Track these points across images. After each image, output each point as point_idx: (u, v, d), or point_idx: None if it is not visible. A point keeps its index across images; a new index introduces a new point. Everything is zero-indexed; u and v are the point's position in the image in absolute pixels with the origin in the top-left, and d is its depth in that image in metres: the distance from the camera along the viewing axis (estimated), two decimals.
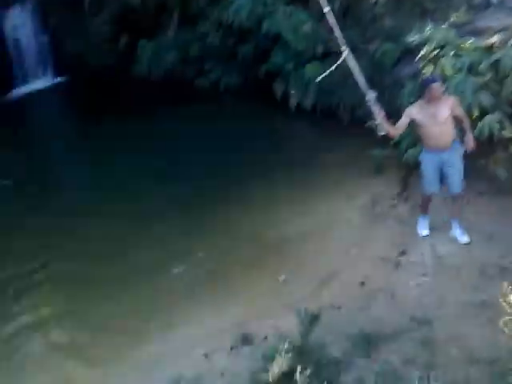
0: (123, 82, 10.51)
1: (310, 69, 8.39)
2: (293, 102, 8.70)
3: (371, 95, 5.09)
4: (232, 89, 9.86)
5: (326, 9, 5.34)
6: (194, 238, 6.25)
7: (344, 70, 8.21)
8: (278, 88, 8.93)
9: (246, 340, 4.56)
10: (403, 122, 5.20)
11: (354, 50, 8.19)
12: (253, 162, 7.69)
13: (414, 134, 6.36)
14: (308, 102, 8.52)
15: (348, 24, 8.65)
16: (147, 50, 10.79)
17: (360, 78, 5.22)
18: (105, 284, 5.72)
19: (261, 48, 9.40)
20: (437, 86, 5.00)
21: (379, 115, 5.09)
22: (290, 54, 8.82)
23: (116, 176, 7.80)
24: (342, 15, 8.77)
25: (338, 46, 8.34)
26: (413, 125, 5.31)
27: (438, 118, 5.00)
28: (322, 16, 8.91)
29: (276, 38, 9.05)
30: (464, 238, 5.28)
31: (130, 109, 9.87)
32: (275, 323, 4.48)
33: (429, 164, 5.24)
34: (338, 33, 5.29)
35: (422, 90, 5.19)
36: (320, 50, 8.57)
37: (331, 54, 8.42)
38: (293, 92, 8.71)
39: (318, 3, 8.93)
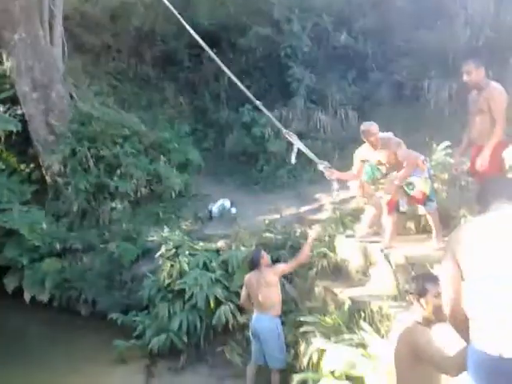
0: None
1: (47, 264, 8.43)
2: (27, 295, 8.38)
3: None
4: None
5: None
6: None
7: (84, 264, 8.61)
8: (10, 281, 8.57)
9: None
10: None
11: (92, 248, 8.79)
12: None
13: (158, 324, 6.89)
14: (44, 296, 8.32)
15: (85, 226, 9.28)
16: None
17: (309, 153, 5.99)
18: None
19: None
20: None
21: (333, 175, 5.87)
22: (25, 248, 8.70)
23: None
24: (80, 217, 9.38)
25: (77, 243, 8.74)
26: None
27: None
28: (58, 216, 9.44)
29: (9, 233, 8.91)
30: None
31: None
32: None
33: None
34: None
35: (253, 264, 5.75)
36: (58, 246, 8.73)
37: (70, 250, 8.79)
38: (27, 286, 8.43)
39: (57, 205, 9.50)
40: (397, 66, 10.23)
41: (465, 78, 5.00)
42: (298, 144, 6.43)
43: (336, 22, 11.20)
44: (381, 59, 10.68)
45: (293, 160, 6.47)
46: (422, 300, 2.92)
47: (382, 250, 5.96)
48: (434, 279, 2.92)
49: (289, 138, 6.52)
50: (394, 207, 5.63)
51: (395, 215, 5.70)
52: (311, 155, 6.45)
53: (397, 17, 10.74)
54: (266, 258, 5.79)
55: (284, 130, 6.64)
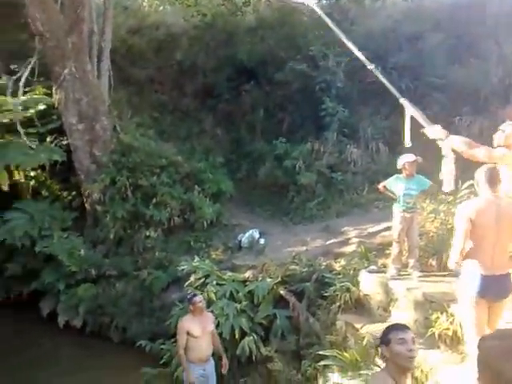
0: None
1: (82, 289, 8.78)
2: (61, 320, 8.73)
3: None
4: None
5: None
6: None
7: (117, 291, 8.87)
8: (46, 306, 8.97)
9: None
10: (183, 338, 5.69)
11: (126, 275, 9.08)
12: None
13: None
14: (77, 321, 8.66)
15: (121, 253, 9.62)
16: None
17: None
18: None
19: (29, 266, 9.50)
20: (199, 299, 5.80)
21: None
22: (62, 274, 9.07)
23: None
24: (116, 244, 9.74)
25: (111, 269, 9.02)
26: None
27: (206, 329, 5.78)
28: (96, 242, 9.82)
29: (47, 259, 9.34)
30: None
31: None
32: None
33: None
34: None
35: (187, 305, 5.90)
36: (93, 272, 9.09)
37: (105, 277, 9.12)
38: (61, 310, 8.78)
39: (95, 233, 9.87)
40: (430, 101, 10.26)
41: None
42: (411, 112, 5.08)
43: (372, 57, 11.24)
44: (414, 94, 10.70)
45: (407, 140, 5.11)
46: (385, 348, 2.79)
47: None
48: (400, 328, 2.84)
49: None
50: None
51: None
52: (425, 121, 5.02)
53: (431, 53, 10.81)
54: (198, 303, 5.75)
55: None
